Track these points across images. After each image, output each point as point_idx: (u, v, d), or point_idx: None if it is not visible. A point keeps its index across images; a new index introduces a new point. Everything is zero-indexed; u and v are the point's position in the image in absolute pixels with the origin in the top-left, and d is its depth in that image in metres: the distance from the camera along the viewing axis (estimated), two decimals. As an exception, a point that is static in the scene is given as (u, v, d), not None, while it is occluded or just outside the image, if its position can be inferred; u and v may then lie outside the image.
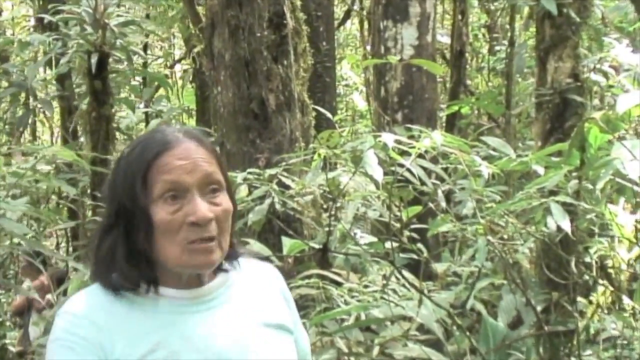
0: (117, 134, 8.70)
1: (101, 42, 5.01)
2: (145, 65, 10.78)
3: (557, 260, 3.59)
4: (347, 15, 11.53)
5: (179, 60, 12.53)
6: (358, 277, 3.85)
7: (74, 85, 7.16)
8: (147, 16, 10.19)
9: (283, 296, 1.63)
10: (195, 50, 7.96)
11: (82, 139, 7.04)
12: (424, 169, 3.14)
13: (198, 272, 1.47)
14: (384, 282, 3.54)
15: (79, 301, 1.45)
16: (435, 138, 2.87)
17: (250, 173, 3.49)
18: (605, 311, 3.83)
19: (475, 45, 11.01)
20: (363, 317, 3.25)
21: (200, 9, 6.50)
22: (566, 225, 2.71)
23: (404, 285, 3.42)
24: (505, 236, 3.13)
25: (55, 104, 8.61)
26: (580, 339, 3.47)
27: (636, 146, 2.83)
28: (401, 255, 3.65)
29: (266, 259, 1.74)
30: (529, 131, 7.71)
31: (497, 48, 9.65)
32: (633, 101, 3.15)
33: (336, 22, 10.37)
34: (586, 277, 3.81)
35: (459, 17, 8.06)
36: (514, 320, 3.74)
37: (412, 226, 3.73)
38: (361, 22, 11.42)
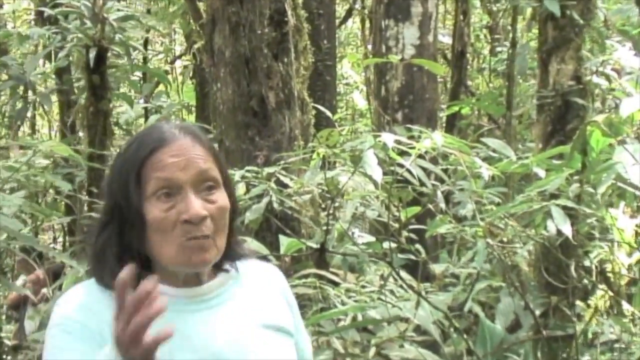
0: (116, 129, 8.69)
1: (100, 37, 4.98)
2: (145, 60, 10.76)
3: (556, 263, 3.57)
4: (349, 13, 11.51)
5: (180, 56, 12.51)
6: (355, 276, 3.83)
7: (73, 80, 7.13)
8: (148, 11, 10.16)
9: (285, 299, 1.60)
10: (196, 46, 7.93)
11: (80, 134, 7.02)
12: (424, 169, 3.12)
13: (193, 271, 1.45)
14: (382, 282, 3.52)
15: (79, 292, 1.44)
16: (436, 139, 2.85)
17: (248, 171, 3.46)
18: (604, 315, 3.81)
19: (477, 46, 11.00)
20: (360, 317, 3.23)
21: (201, 5, 6.48)
22: (567, 230, 2.69)
23: (401, 286, 3.40)
24: (505, 239, 3.11)
25: (54, 97, 8.59)
26: (578, 343, 3.45)
27: (638, 150, 2.81)
28: (399, 255, 3.63)
29: (264, 258, 1.72)
30: (529, 133, 7.70)
31: (499, 49, 9.63)
32: (637, 105, 3.13)
33: (337, 21, 10.35)
34: (585, 281, 3.79)
35: (461, 17, 8.05)
36: (512, 324, 3.72)
37: (411, 227, 3.71)
38: (362, 21, 11.41)
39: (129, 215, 1.41)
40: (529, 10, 6.90)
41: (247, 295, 1.53)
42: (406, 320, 3.29)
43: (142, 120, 10.03)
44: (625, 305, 3.98)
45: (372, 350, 3.28)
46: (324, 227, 3.48)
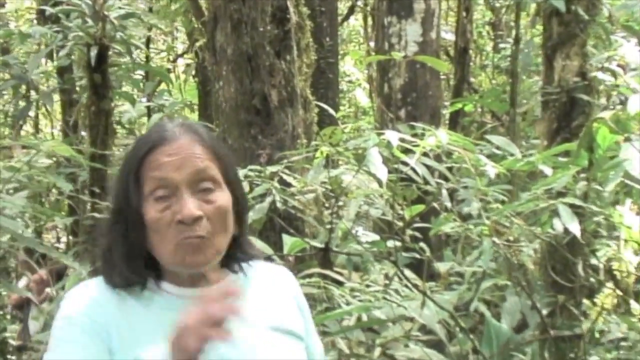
0: (119, 128, 8.66)
1: (101, 35, 4.96)
2: (147, 59, 10.74)
3: (562, 262, 3.53)
4: (351, 11, 11.48)
5: (182, 54, 12.48)
6: (359, 275, 3.81)
7: (75, 79, 7.11)
8: (150, 10, 10.14)
9: (296, 302, 1.58)
10: (198, 44, 7.91)
11: (83, 133, 7.00)
12: (428, 167, 3.09)
13: (190, 271, 1.43)
14: (386, 282, 3.50)
15: (88, 287, 1.44)
16: (441, 136, 2.82)
17: (251, 170, 3.44)
18: (612, 314, 3.78)
19: (479, 43, 10.96)
20: (365, 317, 3.21)
21: (203, 3, 6.45)
22: (575, 228, 2.66)
23: (406, 286, 3.38)
24: (511, 238, 3.08)
25: (56, 96, 8.56)
26: (585, 342, 3.42)
27: (645, 147, 2.78)
28: (403, 254, 3.61)
29: (267, 258, 1.70)
30: (533, 130, 7.66)
31: (502, 45, 9.60)
32: (645, 101, 3.09)
33: (340, 18, 10.32)
34: (592, 279, 3.76)
35: (463, 13, 8.03)
36: (519, 323, 3.69)
37: (415, 225, 3.68)
38: (365, 18, 11.39)
39: (130, 215, 1.41)
40: (533, 6, 6.86)
41: (256, 297, 1.50)
42: (411, 319, 3.26)
43: (144, 119, 10.01)
44: (632, 304, 3.95)
45: (377, 350, 3.26)
46: (328, 226, 3.46)
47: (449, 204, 3.32)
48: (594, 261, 3.74)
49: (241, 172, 3.37)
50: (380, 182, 3.04)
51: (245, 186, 3.36)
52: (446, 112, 8.10)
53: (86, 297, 1.41)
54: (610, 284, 3.88)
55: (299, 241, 3.60)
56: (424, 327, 3.26)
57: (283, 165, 3.48)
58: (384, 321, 3.19)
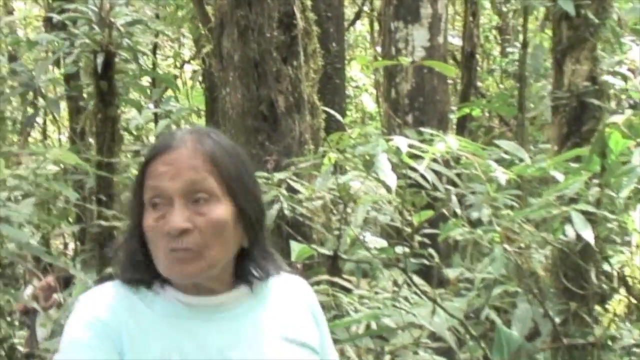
0: (126, 134, 8.66)
1: (107, 42, 4.94)
2: (154, 65, 10.74)
3: (574, 269, 3.49)
4: (357, 16, 11.46)
5: (189, 61, 12.49)
6: (368, 282, 3.78)
7: (83, 86, 7.12)
8: (157, 16, 10.14)
9: (312, 314, 1.55)
10: (205, 50, 7.91)
11: (90, 140, 7.01)
12: (436, 172, 3.06)
13: (180, 282, 1.41)
14: (395, 289, 3.47)
15: (102, 291, 1.44)
16: (451, 143, 2.79)
17: (258, 176, 3.41)
18: (626, 321, 3.74)
19: (486, 47, 10.94)
20: (373, 325, 3.18)
21: (210, 9, 6.44)
22: (589, 236, 2.62)
23: (415, 293, 3.34)
24: (522, 245, 3.04)
25: (64, 104, 8.58)
26: (598, 349, 3.38)
27: (658, 152, 2.75)
28: (412, 260, 3.58)
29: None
30: (542, 134, 7.63)
31: (509, 50, 9.57)
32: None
33: (346, 23, 10.31)
34: (604, 286, 3.72)
35: (470, 18, 8.01)
36: (530, 331, 3.65)
37: (423, 231, 3.65)
38: (371, 23, 11.37)
39: (131, 221, 1.42)
40: (541, 10, 6.83)
41: (270, 308, 1.48)
42: (420, 326, 3.23)
43: (152, 125, 10.01)
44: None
45: (387, 358, 3.23)
46: (336, 233, 3.43)
47: (458, 210, 3.29)
48: (606, 267, 3.70)
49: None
50: (389, 189, 3.02)
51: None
52: (454, 117, 8.07)
53: (99, 301, 1.41)
54: (622, 291, 3.84)
55: (306, 248, 3.58)
56: (434, 334, 3.22)
57: (291, 172, 3.45)
58: (393, 329, 3.16)
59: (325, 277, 3.38)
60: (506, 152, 3.51)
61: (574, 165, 3.18)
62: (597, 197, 2.94)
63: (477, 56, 8.80)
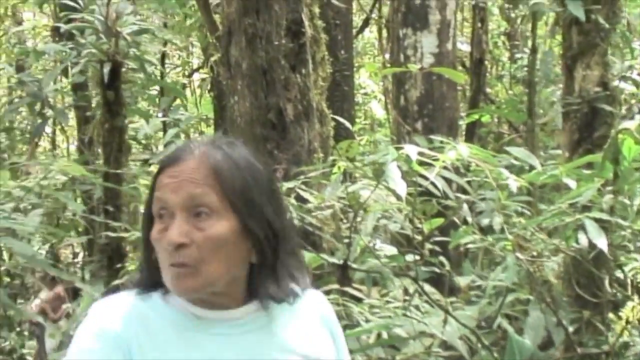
0: (134, 143, 8.66)
1: (114, 51, 4.93)
2: (162, 74, 10.76)
3: (586, 276, 3.45)
4: (366, 23, 11.44)
5: (197, 69, 12.50)
6: (378, 290, 3.75)
7: (91, 96, 7.14)
8: (165, 25, 10.16)
9: (328, 329, 1.52)
10: (213, 59, 7.90)
11: (98, 149, 7.01)
12: (446, 179, 3.03)
13: (182, 297, 1.39)
14: (406, 297, 3.44)
15: (115, 301, 1.43)
16: (461, 150, 2.75)
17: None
18: (639, 328, 3.69)
19: (495, 53, 10.91)
20: (385, 334, 3.14)
21: (218, 18, 6.43)
22: (603, 243, 2.58)
23: (426, 301, 3.31)
24: (535, 253, 3.01)
25: (71, 113, 8.59)
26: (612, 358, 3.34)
27: (671, 158, 2.71)
28: (423, 268, 3.54)
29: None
30: (552, 140, 7.59)
31: (518, 56, 9.54)
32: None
33: (354, 31, 10.30)
34: (618, 294, 3.67)
35: (479, 24, 7.99)
36: (543, 340, 3.61)
37: (434, 239, 3.62)
38: (379, 30, 11.34)
39: (143, 230, 1.41)
40: (551, 16, 6.80)
41: (283, 323, 1.45)
42: (432, 335, 3.20)
43: (161, 134, 10.02)
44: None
45: (398, 367, 3.19)
46: (346, 242, 3.40)
47: (469, 218, 3.26)
48: (619, 275, 3.66)
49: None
50: (399, 197, 2.99)
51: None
52: (463, 123, 8.04)
53: (111, 312, 1.39)
54: (636, 298, 3.79)
55: (316, 257, 3.55)
56: (445, 343, 3.19)
57: (300, 181, 3.43)
58: (404, 338, 3.12)
59: (336, 286, 3.35)
60: (516, 159, 3.47)
61: (586, 172, 3.14)
62: (611, 204, 2.90)
63: (486, 62, 8.78)
